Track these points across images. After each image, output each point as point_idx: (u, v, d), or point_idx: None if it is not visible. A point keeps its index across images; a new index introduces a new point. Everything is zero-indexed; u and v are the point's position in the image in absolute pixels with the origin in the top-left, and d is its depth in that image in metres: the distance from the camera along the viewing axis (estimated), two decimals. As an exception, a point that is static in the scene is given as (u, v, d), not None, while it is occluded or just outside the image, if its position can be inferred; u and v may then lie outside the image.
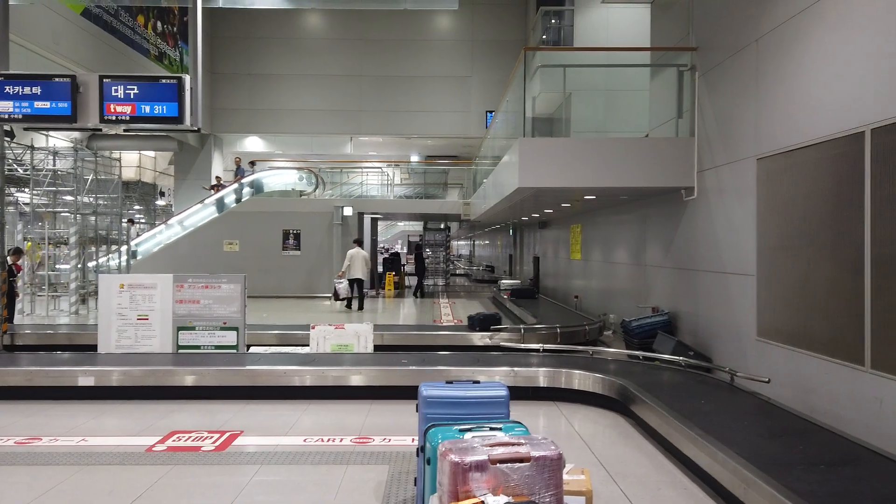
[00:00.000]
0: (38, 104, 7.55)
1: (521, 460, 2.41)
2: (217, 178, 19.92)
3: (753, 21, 6.22)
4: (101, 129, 8.17)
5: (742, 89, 6.46)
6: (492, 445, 2.47)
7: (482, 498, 2.31)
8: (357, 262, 14.33)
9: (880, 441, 4.17)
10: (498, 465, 2.39)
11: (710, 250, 7.17)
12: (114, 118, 7.67)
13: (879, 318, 4.35)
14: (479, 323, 9.12)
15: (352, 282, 14.29)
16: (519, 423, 2.93)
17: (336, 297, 14.22)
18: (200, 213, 18.61)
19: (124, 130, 7.90)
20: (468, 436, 2.70)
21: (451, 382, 3.50)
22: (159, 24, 17.98)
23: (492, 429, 2.80)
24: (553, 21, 16.57)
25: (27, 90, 7.52)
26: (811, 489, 3.13)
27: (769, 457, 3.61)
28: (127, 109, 7.62)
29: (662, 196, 8.62)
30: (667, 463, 4.37)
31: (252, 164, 20.07)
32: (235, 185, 18.92)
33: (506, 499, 2.29)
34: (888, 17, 4.36)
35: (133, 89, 7.63)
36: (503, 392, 3.40)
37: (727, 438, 3.91)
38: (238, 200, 18.58)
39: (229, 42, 21.37)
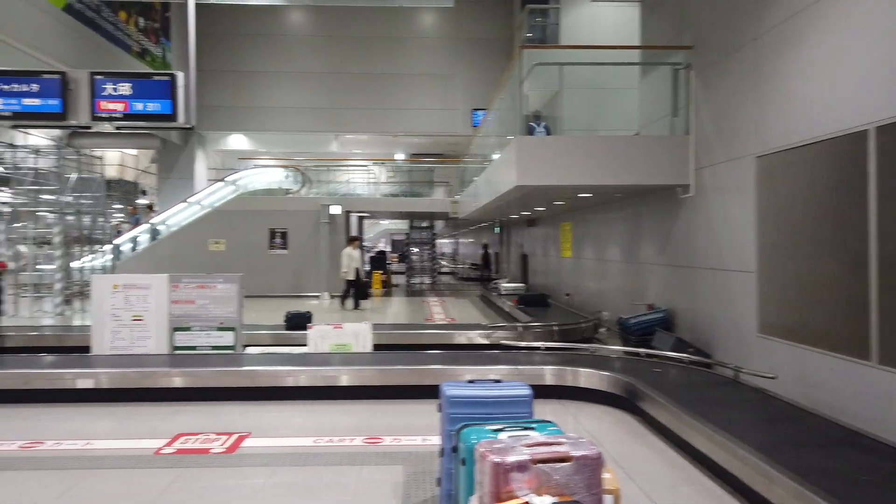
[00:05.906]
0: (28, 101, 7.36)
1: (562, 460, 2.40)
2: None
3: (752, 20, 6.27)
4: (90, 127, 8.03)
5: (741, 88, 6.51)
6: (531, 445, 2.46)
7: (526, 498, 2.29)
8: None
9: (888, 434, 4.22)
10: (540, 465, 2.37)
11: (708, 247, 7.22)
12: (105, 116, 7.53)
13: (887, 314, 4.41)
14: (292, 319, 9.15)
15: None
16: (550, 421, 2.92)
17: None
18: (185, 212, 18.36)
19: (117, 128, 7.76)
20: (502, 435, 2.68)
21: (472, 381, 3.49)
22: (141, 19, 17.68)
23: (525, 428, 2.78)
24: (538, 19, 16.59)
25: (16, 87, 7.33)
26: (835, 485, 3.15)
27: (785, 451, 3.64)
28: (119, 107, 7.48)
29: (657, 194, 8.66)
30: (680, 459, 4.40)
31: (150, 207, 18.98)
32: (132, 234, 18.31)
33: (551, 499, 2.27)
34: (889, 17, 4.41)
35: (125, 86, 7.50)
36: (526, 391, 3.38)
37: (742, 434, 3.94)
38: (133, 249, 17.94)
39: (213, 38, 21.04)
